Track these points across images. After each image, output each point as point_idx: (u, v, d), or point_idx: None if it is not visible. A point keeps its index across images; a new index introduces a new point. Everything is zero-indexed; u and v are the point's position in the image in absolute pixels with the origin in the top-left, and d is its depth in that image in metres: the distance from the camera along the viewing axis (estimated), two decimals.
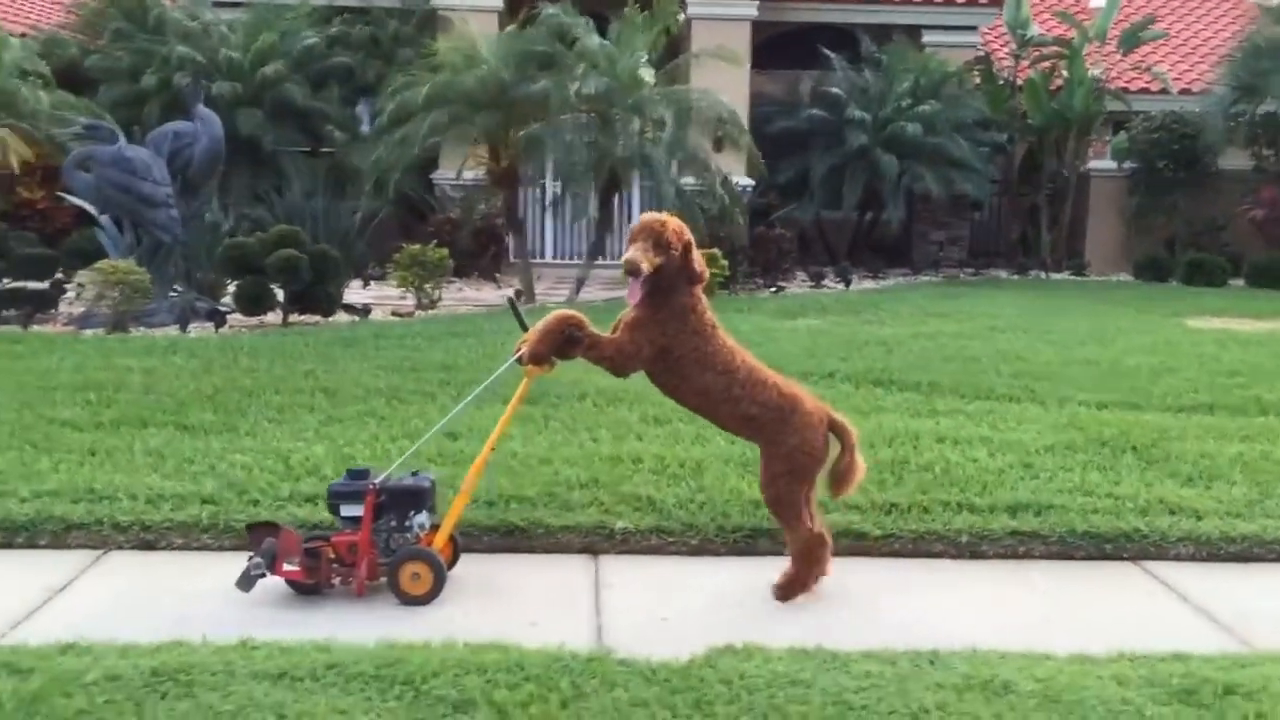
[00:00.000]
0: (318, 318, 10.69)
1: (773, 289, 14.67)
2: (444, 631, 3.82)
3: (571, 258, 16.19)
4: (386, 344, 9.10)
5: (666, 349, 4.23)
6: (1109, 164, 19.36)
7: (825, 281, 15.94)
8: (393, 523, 4.41)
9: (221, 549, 4.77)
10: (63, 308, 10.92)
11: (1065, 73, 18.83)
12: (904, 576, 4.67)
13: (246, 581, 4.21)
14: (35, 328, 10.04)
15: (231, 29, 15.64)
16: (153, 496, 5.04)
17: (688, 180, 13.00)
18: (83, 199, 10.53)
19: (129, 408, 6.52)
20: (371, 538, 4.38)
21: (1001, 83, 19.27)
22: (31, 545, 4.75)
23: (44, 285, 10.69)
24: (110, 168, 10.08)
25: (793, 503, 4.31)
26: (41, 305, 10.50)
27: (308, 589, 4.33)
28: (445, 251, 12.05)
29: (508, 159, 12.29)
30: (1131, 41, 19.10)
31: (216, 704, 3.11)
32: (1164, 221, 18.67)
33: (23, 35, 14.39)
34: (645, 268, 4.12)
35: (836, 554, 4.47)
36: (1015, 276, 18.10)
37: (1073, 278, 18.11)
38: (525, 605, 4.29)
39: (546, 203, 14.73)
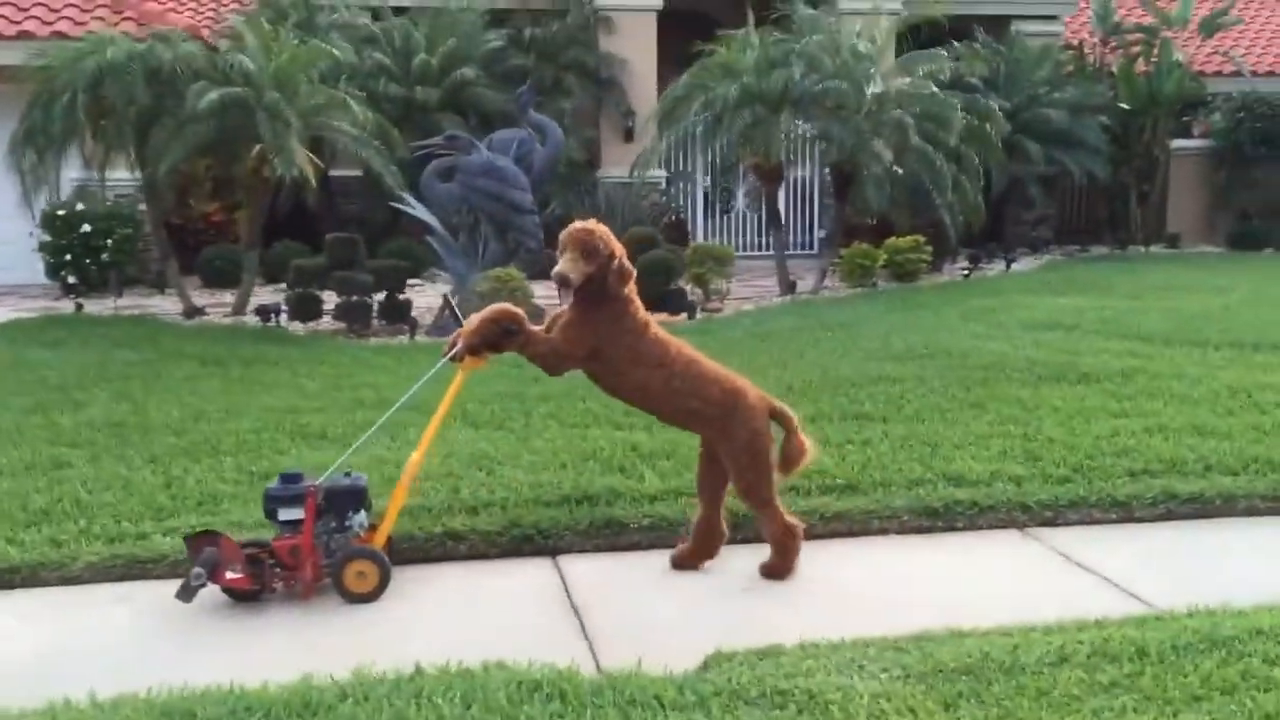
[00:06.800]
0: (682, 315, 11.24)
1: (964, 272, 15.54)
2: None
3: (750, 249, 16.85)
4: (826, 336, 9.58)
5: (598, 349, 4.37)
6: (1188, 142, 20.83)
7: (981, 264, 16.87)
8: (332, 524, 4.47)
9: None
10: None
11: (1154, 58, 20.14)
12: None
13: (186, 592, 4.19)
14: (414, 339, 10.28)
15: (420, 31, 15.74)
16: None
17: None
18: (442, 207, 10.72)
19: None
20: (312, 540, 4.41)
21: (1090, 70, 20.50)
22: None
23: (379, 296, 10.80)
24: (482, 177, 10.35)
25: (765, 491, 4.50)
26: (402, 316, 10.70)
27: (250, 595, 4.37)
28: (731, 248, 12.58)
29: (776, 157, 12.89)
30: (1210, 28, 20.54)
31: None
32: (1247, 196, 20.23)
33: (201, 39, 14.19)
34: (574, 279, 4.27)
35: None
36: (1116, 251, 19.39)
37: (1168, 250, 19.47)
38: None
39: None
